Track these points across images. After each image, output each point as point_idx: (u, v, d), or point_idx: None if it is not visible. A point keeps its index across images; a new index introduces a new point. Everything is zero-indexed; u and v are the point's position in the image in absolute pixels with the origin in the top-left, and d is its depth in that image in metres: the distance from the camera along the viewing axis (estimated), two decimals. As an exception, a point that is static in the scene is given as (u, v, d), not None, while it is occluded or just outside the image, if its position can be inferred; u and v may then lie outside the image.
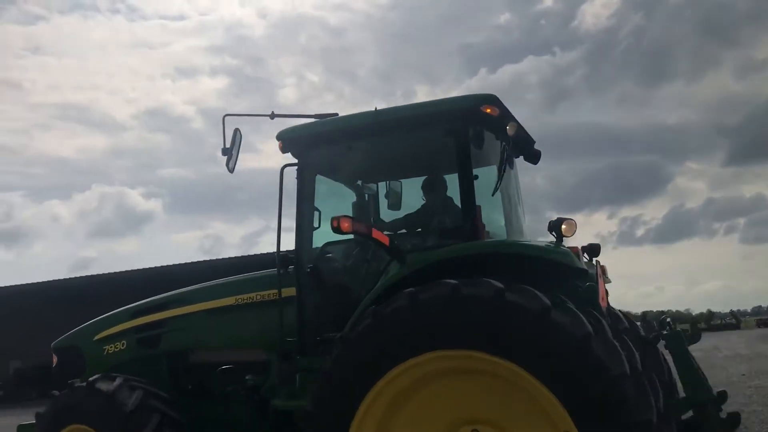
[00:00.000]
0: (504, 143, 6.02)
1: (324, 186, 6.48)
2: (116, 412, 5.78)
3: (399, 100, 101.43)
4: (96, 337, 7.10)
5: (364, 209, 6.73)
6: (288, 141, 6.36)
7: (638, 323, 6.46)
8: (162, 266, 33.12)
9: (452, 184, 6.00)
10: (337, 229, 5.03)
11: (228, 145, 6.33)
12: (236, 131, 6.39)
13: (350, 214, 6.05)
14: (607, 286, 5.99)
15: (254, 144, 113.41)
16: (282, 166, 6.39)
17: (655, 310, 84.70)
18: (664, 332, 5.71)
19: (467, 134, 5.70)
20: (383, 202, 6.78)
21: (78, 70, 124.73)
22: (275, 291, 6.10)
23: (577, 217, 5.81)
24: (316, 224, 6.19)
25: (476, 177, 5.69)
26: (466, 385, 4.66)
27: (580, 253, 5.68)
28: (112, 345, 6.98)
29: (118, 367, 6.64)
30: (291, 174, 6.33)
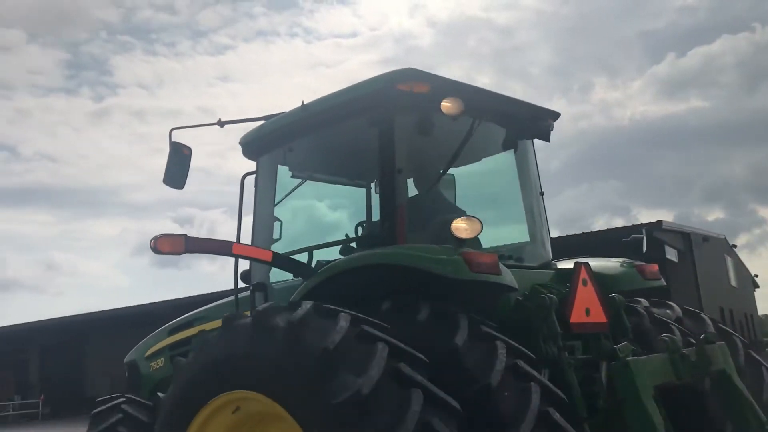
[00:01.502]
0: (475, 121, 4.87)
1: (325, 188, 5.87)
2: None
3: (576, 95, 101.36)
4: (146, 354, 6.95)
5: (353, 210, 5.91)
6: (244, 146, 5.85)
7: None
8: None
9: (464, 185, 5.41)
10: (156, 251, 4.32)
11: (176, 163, 5.70)
12: (173, 144, 5.70)
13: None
14: None
15: None
16: (243, 174, 5.96)
17: None
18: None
19: (389, 122, 4.72)
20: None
21: (262, 93, 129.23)
22: None
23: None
24: (276, 236, 5.56)
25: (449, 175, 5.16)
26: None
27: (582, 271, 4.59)
28: (155, 362, 6.80)
29: (160, 384, 6.36)
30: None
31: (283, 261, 5.01)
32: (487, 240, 5.18)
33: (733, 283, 47.98)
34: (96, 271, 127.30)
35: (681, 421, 4.24)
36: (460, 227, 4.16)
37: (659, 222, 26.82)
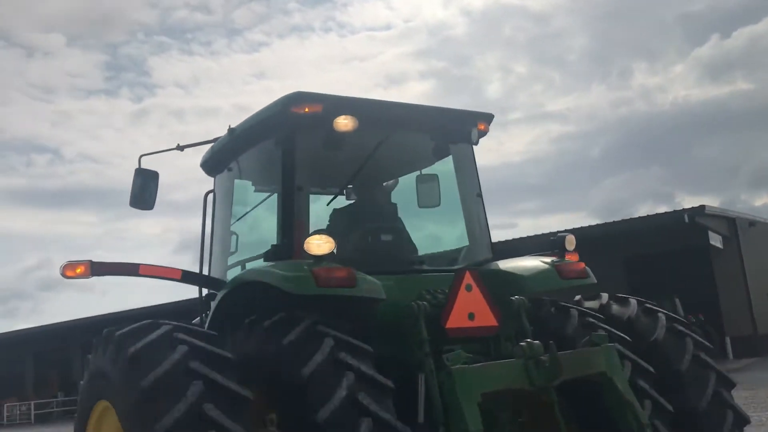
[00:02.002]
0: (388, 133, 5.15)
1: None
2: None
3: (615, 81, 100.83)
4: None
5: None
6: (202, 165, 6.29)
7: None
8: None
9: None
10: (64, 276, 4.82)
11: (141, 187, 6.04)
12: (137, 171, 6.00)
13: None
14: None
15: None
16: (205, 192, 6.31)
17: None
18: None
19: (288, 141, 4.97)
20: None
21: (297, 89, 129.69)
22: None
23: None
24: (233, 248, 5.81)
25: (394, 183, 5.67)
26: None
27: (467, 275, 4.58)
28: None
29: None
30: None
31: (194, 277, 5.44)
32: (429, 245, 5.65)
33: (783, 269, 46.45)
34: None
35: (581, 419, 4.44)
36: (312, 245, 4.38)
37: (702, 207, 25.87)
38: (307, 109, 4.85)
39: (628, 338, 4.86)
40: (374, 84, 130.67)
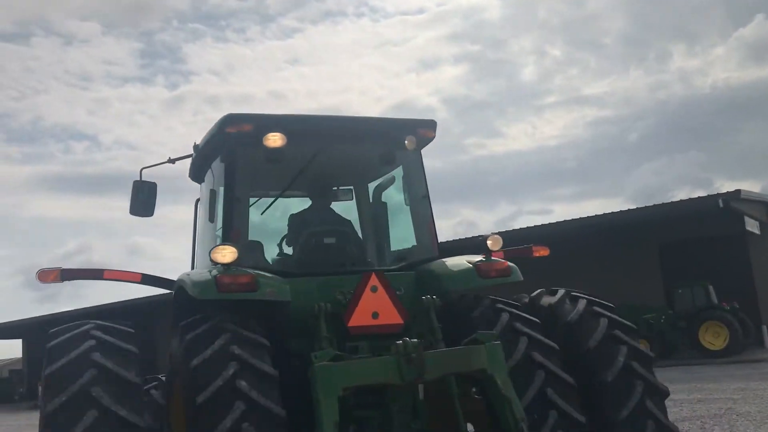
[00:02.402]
0: (323, 146, 5.64)
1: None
2: None
3: (652, 64, 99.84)
4: None
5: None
6: (189, 175, 6.82)
7: None
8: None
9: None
10: (40, 281, 5.52)
11: (140, 197, 6.64)
12: (135, 183, 6.61)
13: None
14: None
15: (499, 128, 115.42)
16: (196, 200, 6.94)
17: None
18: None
19: (228, 158, 5.51)
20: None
21: (331, 75, 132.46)
22: None
23: None
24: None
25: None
26: None
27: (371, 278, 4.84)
28: None
29: None
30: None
31: (153, 280, 6.03)
32: (378, 246, 6.08)
33: (823, 256, 45.11)
34: (177, 254, 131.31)
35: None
36: (216, 254, 4.67)
37: (737, 191, 25.06)
38: (239, 129, 5.29)
39: (536, 320, 5.05)
40: (407, 69, 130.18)
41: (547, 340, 4.92)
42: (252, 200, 5.87)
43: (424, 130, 5.77)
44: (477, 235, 6.69)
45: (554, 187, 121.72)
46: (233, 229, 5.27)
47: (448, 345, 4.75)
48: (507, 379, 4.40)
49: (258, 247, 5.68)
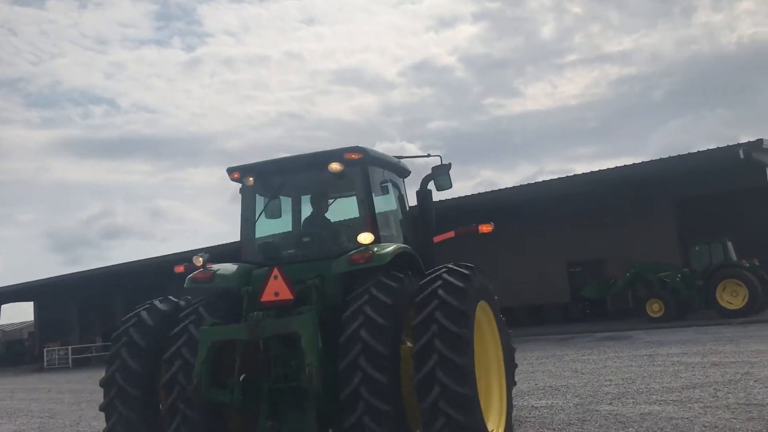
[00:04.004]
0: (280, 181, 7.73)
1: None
2: None
3: (676, 19, 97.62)
4: None
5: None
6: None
7: None
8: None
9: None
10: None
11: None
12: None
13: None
14: None
15: (518, 88, 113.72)
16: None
17: None
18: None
19: (242, 191, 7.79)
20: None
21: (348, 35, 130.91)
22: None
23: None
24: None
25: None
26: None
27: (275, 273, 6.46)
28: None
29: None
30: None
31: None
32: (319, 243, 7.44)
33: None
34: (198, 217, 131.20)
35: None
36: (194, 258, 7.24)
37: (759, 141, 23.49)
38: (234, 175, 7.68)
39: (387, 300, 6.14)
40: (425, 27, 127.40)
41: (377, 317, 6.01)
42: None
43: (349, 154, 7.20)
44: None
45: (575, 146, 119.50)
46: (243, 244, 7.67)
47: (339, 311, 6.34)
48: (310, 338, 5.90)
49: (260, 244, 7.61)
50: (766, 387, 9.65)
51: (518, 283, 30.89)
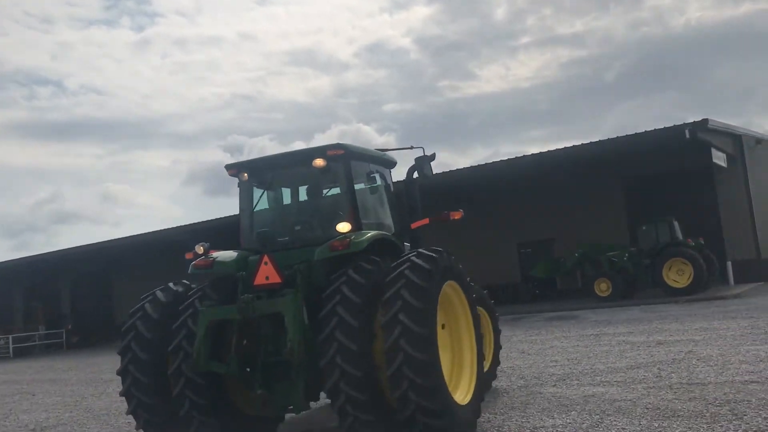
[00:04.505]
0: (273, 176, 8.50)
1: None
2: None
3: (628, 2, 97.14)
4: None
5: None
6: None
7: None
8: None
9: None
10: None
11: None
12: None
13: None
14: None
15: (472, 70, 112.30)
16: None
17: None
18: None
19: (240, 185, 8.51)
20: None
21: (302, 15, 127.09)
22: None
23: None
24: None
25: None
26: None
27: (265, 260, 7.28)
28: None
29: None
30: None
31: None
32: (307, 230, 8.20)
33: (790, 191, 44.48)
34: (151, 202, 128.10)
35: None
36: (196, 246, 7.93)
37: (705, 120, 23.67)
38: (230, 172, 8.34)
39: (361, 281, 6.84)
40: (379, 8, 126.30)
41: (352, 295, 6.69)
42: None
43: (332, 150, 7.88)
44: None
45: (529, 129, 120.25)
46: (241, 233, 8.42)
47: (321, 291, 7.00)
48: (293, 317, 6.72)
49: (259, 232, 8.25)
50: (708, 366, 9.61)
51: (469, 264, 30.77)
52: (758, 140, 31.38)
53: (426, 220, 8.90)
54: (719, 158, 26.83)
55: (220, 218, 33.75)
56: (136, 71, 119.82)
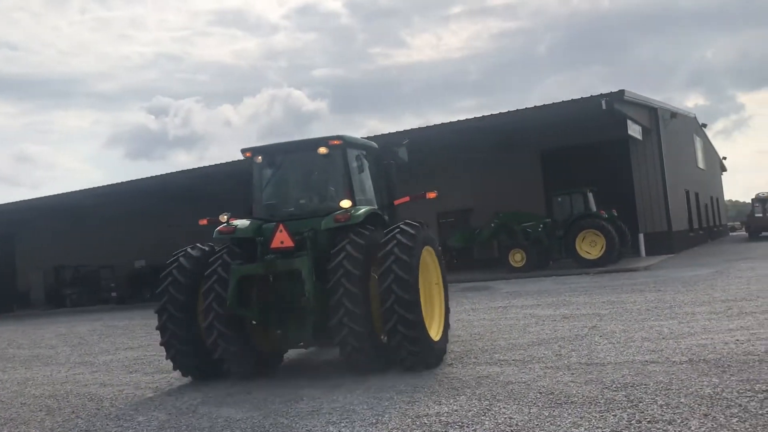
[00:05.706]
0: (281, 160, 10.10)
1: None
2: None
3: None
4: None
5: None
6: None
7: None
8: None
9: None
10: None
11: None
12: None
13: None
14: None
15: (404, 39, 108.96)
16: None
17: None
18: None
19: (252, 167, 10.27)
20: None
21: None
22: None
23: None
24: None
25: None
26: None
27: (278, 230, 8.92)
28: None
29: None
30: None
31: None
32: (315, 203, 10.02)
33: (701, 165, 45.56)
34: (70, 164, 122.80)
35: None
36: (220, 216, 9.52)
37: (621, 91, 23.52)
38: (246, 155, 10.01)
39: (361, 242, 8.67)
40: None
41: (354, 253, 8.45)
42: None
43: (332, 140, 9.56)
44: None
45: (459, 99, 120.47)
46: (253, 204, 10.11)
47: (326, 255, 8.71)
48: (308, 273, 8.48)
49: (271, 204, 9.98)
50: (609, 343, 9.22)
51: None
52: (673, 114, 31.69)
53: (407, 198, 10.53)
54: (635, 131, 26.87)
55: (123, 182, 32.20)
56: (54, 26, 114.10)
